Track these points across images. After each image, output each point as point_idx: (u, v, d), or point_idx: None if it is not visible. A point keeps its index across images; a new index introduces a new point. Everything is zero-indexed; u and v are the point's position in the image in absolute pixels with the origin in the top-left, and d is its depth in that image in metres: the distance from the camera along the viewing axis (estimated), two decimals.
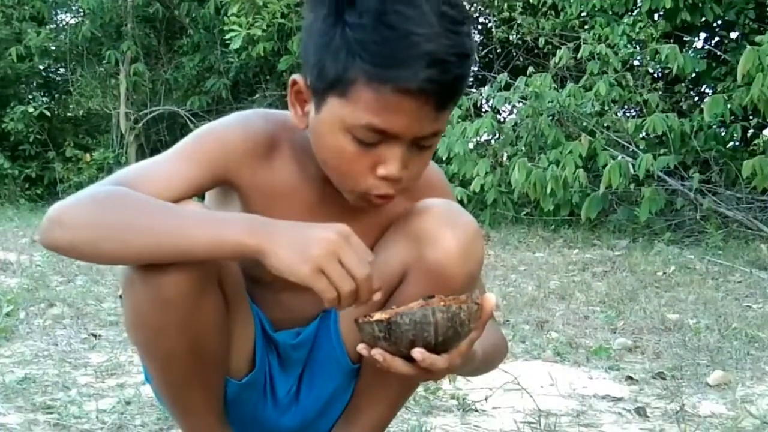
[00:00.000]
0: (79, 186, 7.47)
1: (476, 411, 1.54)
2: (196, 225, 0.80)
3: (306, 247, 0.77)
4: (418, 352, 0.76)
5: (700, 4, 4.83)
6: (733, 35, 5.32)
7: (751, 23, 4.98)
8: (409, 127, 0.81)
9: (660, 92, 4.92)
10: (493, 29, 5.75)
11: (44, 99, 8.02)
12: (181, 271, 0.82)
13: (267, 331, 1.00)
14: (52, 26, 8.38)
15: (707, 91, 5.48)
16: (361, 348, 0.80)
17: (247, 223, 0.80)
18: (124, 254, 0.81)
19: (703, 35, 5.59)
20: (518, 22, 5.46)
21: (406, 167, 0.83)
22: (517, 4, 5.52)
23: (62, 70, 8.66)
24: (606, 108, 4.88)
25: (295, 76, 0.87)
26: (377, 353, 0.79)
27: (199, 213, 0.84)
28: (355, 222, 0.89)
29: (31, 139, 7.82)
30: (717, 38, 5.54)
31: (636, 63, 5.13)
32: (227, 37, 6.13)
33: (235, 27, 5.98)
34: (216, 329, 0.90)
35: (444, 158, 4.89)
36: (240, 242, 0.78)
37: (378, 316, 0.78)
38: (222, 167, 0.89)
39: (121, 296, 0.90)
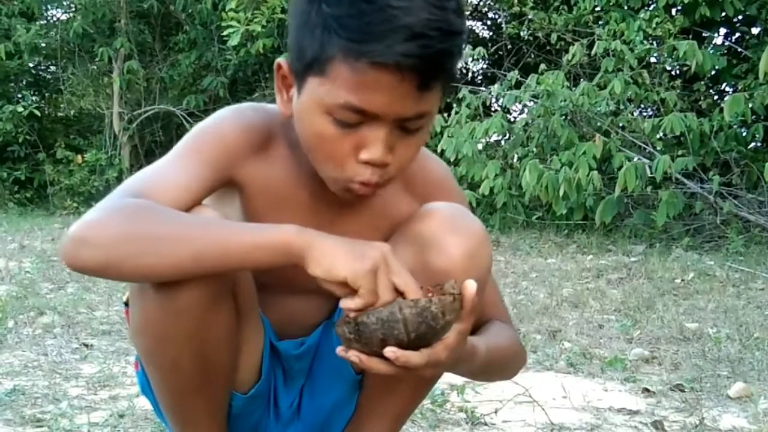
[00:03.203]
0: (71, 189, 7.46)
1: (485, 424, 1.52)
2: (239, 232, 0.80)
3: (362, 249, 0.78)
4: (390, 351, 0.75)
5: None
6: (755, 31, 5.26)
7: None
8: (389, 106, 0.78)
9: (678, 91, 4.82)
10: (503, 25, 5.67)
11: (34, 98, 7.86)
12: (197, 280, 0.81)
13: (271, 341, 1.00)
14: (42, 22, 8.21)
15: (727, 89, 5.40)
16: (339, 351, 0.79)
17: (294, 227, 0.80)
18: (165, 269, 0.79)
19: (723, 31, 5.52)
20: (529, 17, 5.42)
21: (391, 151, 0.81)
22: None
23: (53, 68, 8.52)
24: (621, 107, 4.78)
25: (280, 60, 0.86)
26: (353, 355, 0.78)
27: (235, 223, 0.86)
28: (354, 220, 0.93)
29: (20, 140, 7.66)
30: (737, 34, 5.46)
31: (653, 60, 5.04)
32: (225, 33, 6.00)
33: (234, 23, 5.86)
34: (225, 341, 0.89)
35: (452, 160, 4.81)
36: (288, 242, 0.78)
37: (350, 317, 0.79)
38: (225, 164, 0.89)
39: (126, 303, 0.89)
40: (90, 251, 0.78)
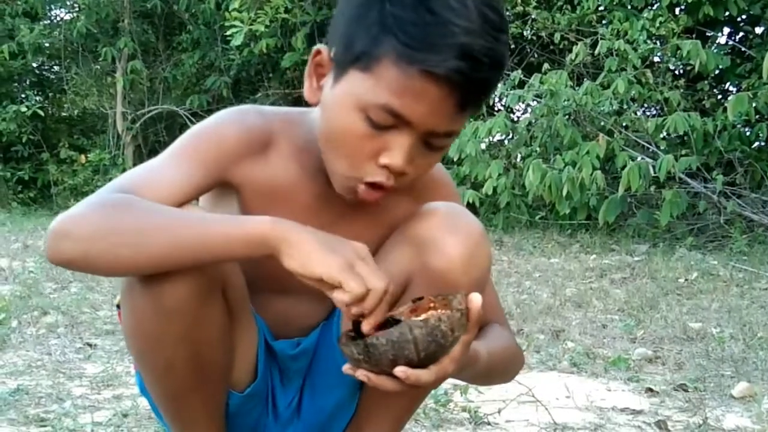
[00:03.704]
0: (74, 189, 7.48)
1: (489, 424, 1.51)
2: (216, 223, 0.81)
3: (335, 245, 0.78)
4: (400, 371, 0.75)
5: None
6: (759, 30, 5.24)
7: None
8: (427, 117, 0.78)
9: (681, 90, 4.81)
10: None
11: (38, 98, 7.84)
12: (185, 278, 0.81)
13: (267, 340, 0.99)
14: (45, 22, 8.27)
15: (731, 88, 5.38)
16: (347, 369, 0.80)
17: (270, 219, 0.80)
18: (143, 260, 0.79)
19: (726, 30, 5.49)
20: (533, 16, 5.39)
21: (411, 162, 0.81)
22: None
23: (56, 68, 8.53)
24: (625, 107, 4.77)
25: (320, 46, 0.86)
26: (361, 374, 0.78)
27: (215, 215, 0.86)
28: (355, 221, 0.93)
29: (23, 140, 7.68)
30: (741, 33, 5.44)
31: (656, 59, 5.03)
32: (228, 33, 6.03)
33: (237, 23, 5.87)
34: (218, 340, 0.89)
35: (455, 159, 4.82)
36: (263, 233, 0.78)
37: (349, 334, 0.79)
38: (220, 166, 0.88)
39: (118, 306, 0.89)
40: (71, 244, 0.78)
